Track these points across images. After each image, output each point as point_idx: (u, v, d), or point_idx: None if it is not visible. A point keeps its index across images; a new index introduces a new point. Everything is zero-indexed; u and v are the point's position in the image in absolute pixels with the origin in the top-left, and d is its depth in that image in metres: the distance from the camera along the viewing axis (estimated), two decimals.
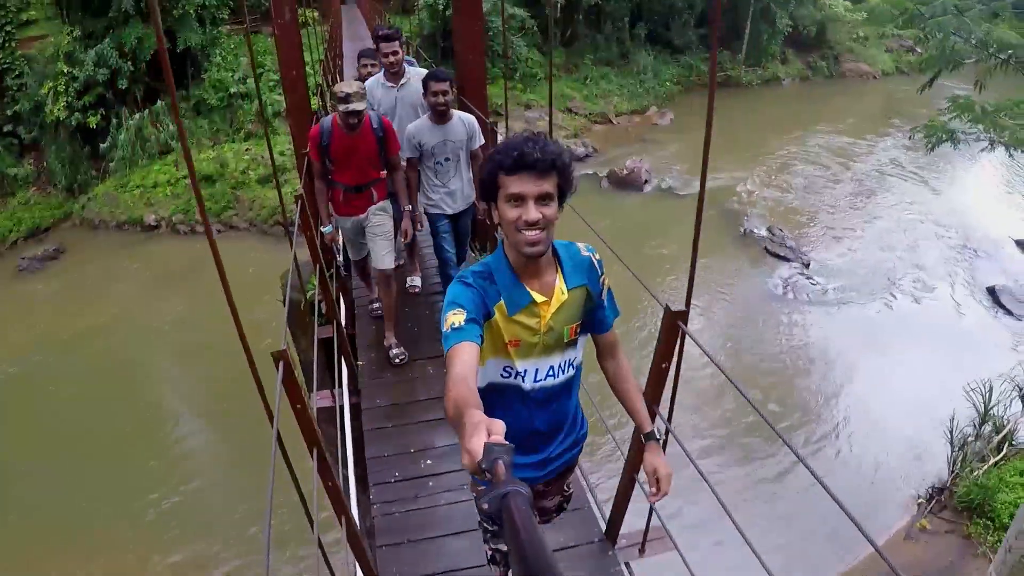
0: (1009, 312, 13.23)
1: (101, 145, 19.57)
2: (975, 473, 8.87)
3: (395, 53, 5.87)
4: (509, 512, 1.11)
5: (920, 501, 8.95)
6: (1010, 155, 10.41)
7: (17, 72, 19.51)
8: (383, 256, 5.55)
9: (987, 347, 11.79)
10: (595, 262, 2.44)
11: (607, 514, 3.90)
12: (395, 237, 5.77)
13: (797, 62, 29.67)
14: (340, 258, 6.71)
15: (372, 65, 6.77)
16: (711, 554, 7.46)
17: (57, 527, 9.42)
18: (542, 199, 2.12)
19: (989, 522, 8.19)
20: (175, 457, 10.63)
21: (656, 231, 15.52)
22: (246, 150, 19.05)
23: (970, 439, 9.38)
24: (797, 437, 10.07)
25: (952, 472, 9.09)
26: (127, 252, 17.25)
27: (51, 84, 18.92)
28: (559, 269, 2.35)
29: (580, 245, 2.44)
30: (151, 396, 12.25)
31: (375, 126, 5.23)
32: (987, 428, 9.59)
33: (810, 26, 28.45)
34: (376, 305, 6.29)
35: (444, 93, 5.19)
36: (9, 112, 19.44)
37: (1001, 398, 9.74)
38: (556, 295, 2.31)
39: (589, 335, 2.56)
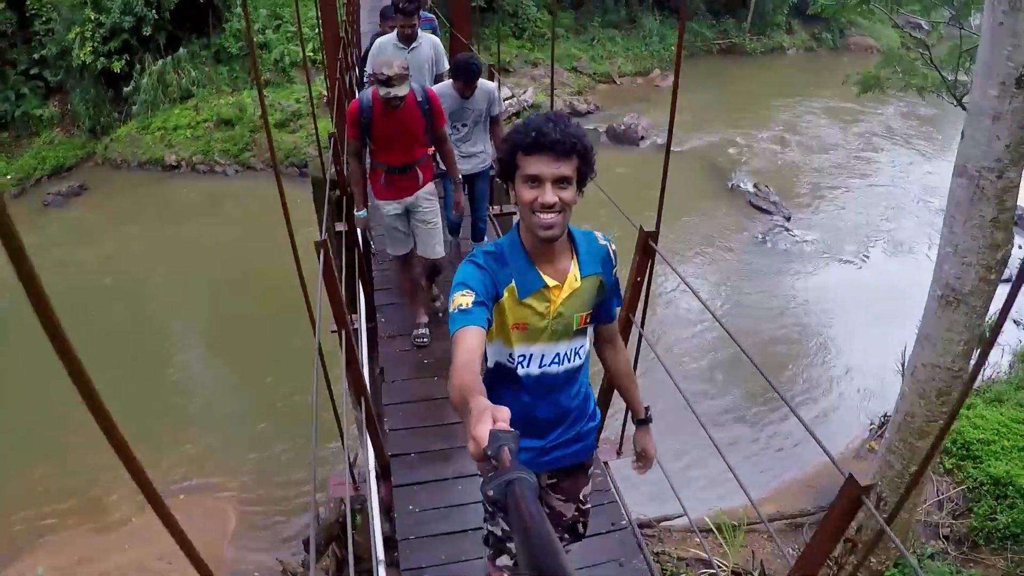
0: None
1: (124, 89, 20.25)
2: None
3: (412, 27, 6.18)
4: (515, 499, 1.10)
5: (872, 426, 9.86)
6: (922, 96, 11.56)
7: (45, 18, 20.13)
8: (433, 246, 5.36)
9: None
10: (611, 253, 2.44)
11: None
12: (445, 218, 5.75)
13: (802, 32, 30.01)
14: (373, 246, 6.53)
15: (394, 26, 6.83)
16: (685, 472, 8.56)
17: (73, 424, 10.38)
18: (559, 182, 2.11)
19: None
20: (195, 368, 11.67)
21: (649, 181, 16.15)
22: (264, 97, 19.77)
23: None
24: (767, 371, 10.99)
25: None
26: (149, 189, 18.06)
27: (78, 30, 19.51)
28: (574, 255, 2.35)
29: (598, 234, 2.45)
30: (175, 314, 13.27)
31: (419, 99, 4.86)
32: None
33: None
34: (423, 330, 5.73)
35: (472, 89, 5.64)
36: (36, 56, 20.05)
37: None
38: (569, 281, 2.31)
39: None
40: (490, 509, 2.82)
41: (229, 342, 12.12)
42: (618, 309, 2.62)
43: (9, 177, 18.60)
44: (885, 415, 9.88)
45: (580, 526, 2.94)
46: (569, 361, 2.44)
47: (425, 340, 5.63)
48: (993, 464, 8.45)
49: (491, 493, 1.14)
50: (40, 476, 9.62)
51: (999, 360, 11.08)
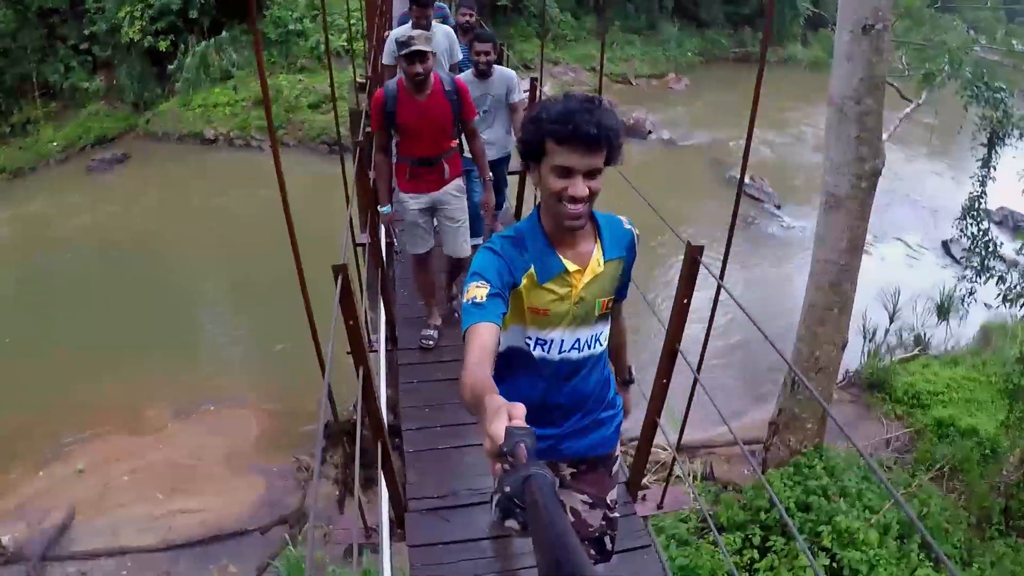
0: (957, 261, 14.92)
1: (168, 67, 21.49)
2: (884, 363, 10.77)
3: (427, 17, 6.01)
4: (532, 495, 1.10)
5: (839, 382, 10.87)
6: None
7: None
8: (460, 244, 5.20)
9: (925, 282, 13.51)
10: (635, 238, 2.39)
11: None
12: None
13: (817, 44, 30.93)
14: (397, 243, 6.29)
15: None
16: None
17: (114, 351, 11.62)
18: (590, 174, 2.05)
19: (886, 395, 10.07)
20: (226, 313, 12.94)
21: (653, 172, 17.30)
22: (299, 81, 21.03)
23: (880, 334, 11.31)
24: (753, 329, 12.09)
25: (863, 360, 11.00)
26: (188, 159, 19.29)
27: (128, 9, 20.69)
28: (598, 239, 2.29)
29: (622, 219, 2.40)
30: (209, 267, 14.54)
31: (447, 89, 4.69)
32: (896, 326, 11.58)
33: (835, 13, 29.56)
34: (430, 332, 5.56)
35: (487, 53, 5.51)
36: (86, 32, 21.21)
37: (910, 303, 11.77)
38: (592, 266, 2.26)
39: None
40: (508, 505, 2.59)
41: (258, 292, 13.16)
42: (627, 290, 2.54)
43: (55, 144, 19.80)
44: (847, 371, 10.88)
45: (608, 540, 2.77)
46: (589, 348, 2.39)
47: (431, 343, 5.49)
48: (939, 410, 9.47)
49: (508, 489, 1.14)
50: (84, 392, 10.80)
51: (961, 331, 12.07)
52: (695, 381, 3.38)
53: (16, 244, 15.23)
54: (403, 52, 4.40)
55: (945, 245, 15.50)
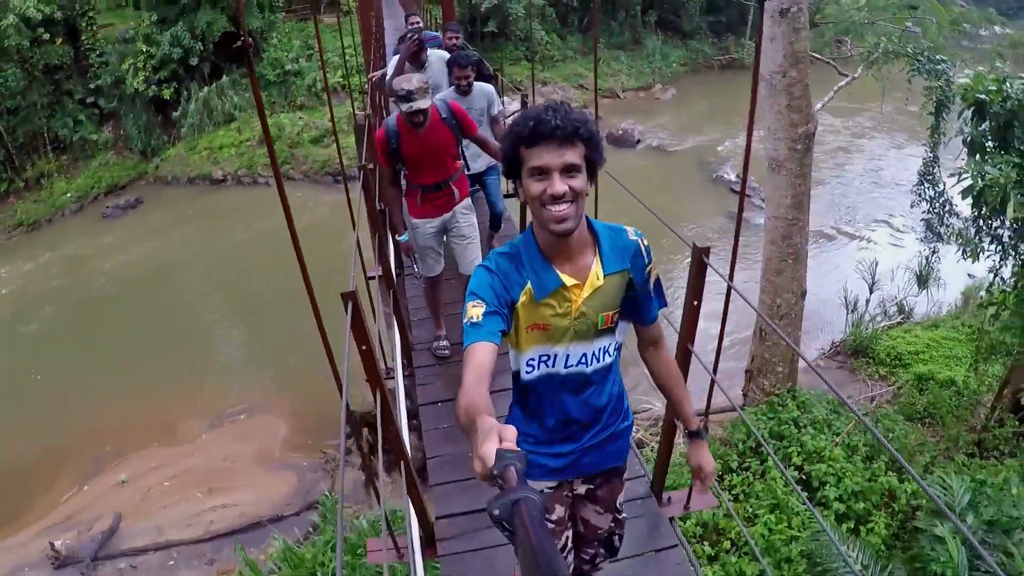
0: (941, 237, 15.56)
1: (173, 114, 22.42)
2: (868, 331, 11.42)
3: (467, 78, 6.06)
4: (521, 518, 1.09)
5: (822, 350, 11.52)
6: None
7: (99, 51, 22.31)
8: (472, 262, 5.17)
9: (909, 258, 14.12)
10: (643, 248, 2.26)
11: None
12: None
13: None
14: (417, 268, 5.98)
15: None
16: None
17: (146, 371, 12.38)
18: (567, 171, 1.97)
19: (870, 359, 10.72)
20: (252, 336, 13.64)
21: (643, 176, 18.15)
22: (300, 118, 22.00)
23: (860, 304, 11.95)
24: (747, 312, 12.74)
25: (847, 329, 11.65)
26: (198, 199, 20.25)
27: (131, 61, 21.73)
28: (597, 252, 2.19)
29: (629, 229, 2.27)
30: (227, 298, 15.27)
31: (444, 116, 4.75)
32: (880, 298, 12.22)
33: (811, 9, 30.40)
34: (443, 343, 5.58)
35: (466, 77, 5.78)
36: (91, 85, 22.17)
37: (892, 276, 12.40)
38: (591, 279, 2.16)
39: (631, 323, 2.41)
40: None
41: (274, 314, 13.94)
42: (661, 310, 2.42)
43: (69, 195, 20.80)
44: (833, 342, 11.54)
45: (616, 539, 2.80)
46: (598, 361, 2.30)
47: (446, 352, 5.52)
48: (919, 367, 10.09)
49: (496, 512, 1.13)
50: (120, 412, 11.59)
51: (943, 299, 12.71)
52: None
53: (47, 289, 16.09)
54: (404, 108, 4.41)
55: (928, 223, 16.07)
